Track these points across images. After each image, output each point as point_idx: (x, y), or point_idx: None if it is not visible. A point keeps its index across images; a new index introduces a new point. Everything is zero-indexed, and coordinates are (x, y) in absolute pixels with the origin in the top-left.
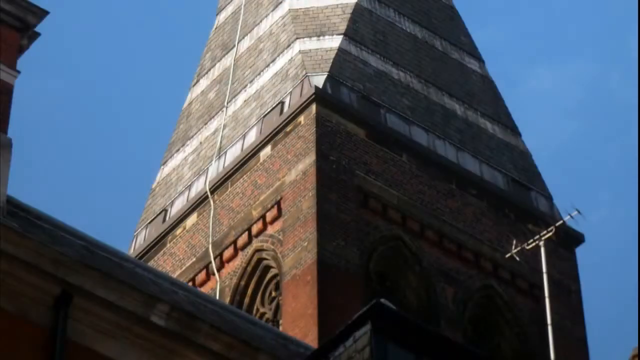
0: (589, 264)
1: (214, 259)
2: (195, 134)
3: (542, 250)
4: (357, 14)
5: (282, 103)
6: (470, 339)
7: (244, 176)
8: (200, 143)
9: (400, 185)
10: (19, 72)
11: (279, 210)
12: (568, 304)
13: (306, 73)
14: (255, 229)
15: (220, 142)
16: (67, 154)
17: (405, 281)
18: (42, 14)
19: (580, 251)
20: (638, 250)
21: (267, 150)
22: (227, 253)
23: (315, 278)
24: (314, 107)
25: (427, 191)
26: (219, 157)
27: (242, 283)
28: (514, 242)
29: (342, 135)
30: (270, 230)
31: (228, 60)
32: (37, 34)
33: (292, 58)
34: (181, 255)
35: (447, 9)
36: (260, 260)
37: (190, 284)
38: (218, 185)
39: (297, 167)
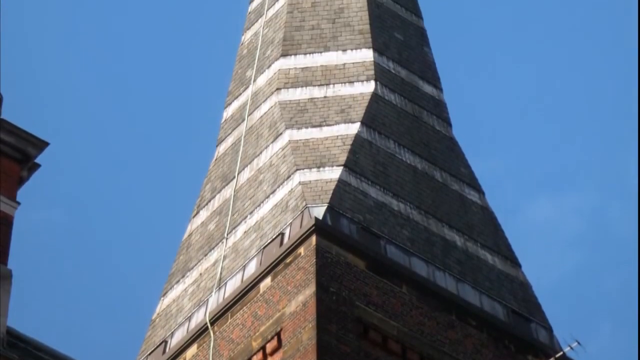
0: None
1: None
2: (195, 265)
3: None
4: (357, 145)
5: (282, 234)
6: None
7: (244, 307)
8: (200, 274)
9: (400, 317)
10: (19, 203)
11: (279, 341)
12: None
13: (306, 204)
14: None
15: (220, 273)
16: (67, 285)
17: None
18: (42, 145)
19: None
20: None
21: (267, 281)
22: None
23: None
24: (313, 238)
25: (427, 322)
26: (219, 289)
27: None
28: None
29: (342, 267)
30: None
31: (228, 192)
32: (37, 165)
33: (292, 189)
34: None
35: (446, 140)
36: None
37: None
38: (218, 317)
39: (297, 299)
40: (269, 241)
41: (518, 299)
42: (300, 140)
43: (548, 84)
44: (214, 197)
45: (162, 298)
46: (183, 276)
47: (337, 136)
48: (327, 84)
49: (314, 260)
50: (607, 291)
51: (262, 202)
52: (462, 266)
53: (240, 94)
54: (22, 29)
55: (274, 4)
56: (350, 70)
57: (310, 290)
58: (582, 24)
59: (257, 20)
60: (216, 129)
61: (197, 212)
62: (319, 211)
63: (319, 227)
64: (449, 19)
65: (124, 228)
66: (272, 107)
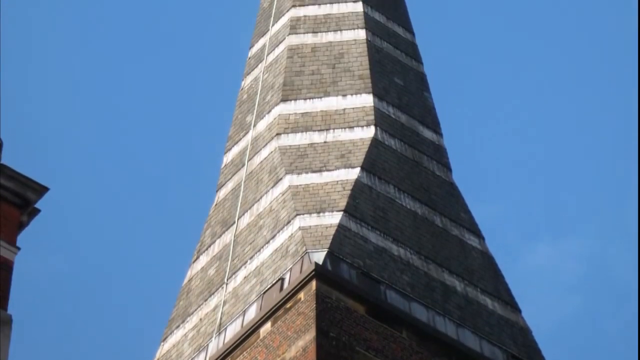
0: None
1: None
2: (195, 310)
3: None
4: (357, 190)
5: (282, 279)
6: None
7: (244, 352)
8: (200, 319)
9: None
10: (19, 248)
11: None
12: None
13: (306, 250)
14: None
15: (220, 318)
16: (67, 331)
17: None
18: (42, 190)
19: None
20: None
21: (267, 326)
22: None
23: None
24: (313, 283)
25: None
26: (219, 334)
27: None
28: None
29: (342, 312)
30: None
31: (228, 237)
32: (37, 210)
33: (292, 234)
34: None
35: (446, 185)
36: None
37: None
38: None
39: (297, 344)
40: (269, 286)
41: (518, 344)
42: (300, 185)
43: (547, 130)
44: (214, 242)
45: (162, 343)
46: (183, 321)
47: (337, 181)
48: (327, 129)
49: (314, 305)
50: (607, 335)
51: (262, 247)
52: (462, 311)
53: (241, 139)
54: (23, 75)
55: (274, 49)
56: (350, 116)
57: (310, 335)
58: (582, 69)
59: (257, 66)
60: (216, 174)
61: (197, 257)
62: (319, 256)
63: (319, 272)
64: (449, 64)
65: (124, 273)
66: (272, 152)
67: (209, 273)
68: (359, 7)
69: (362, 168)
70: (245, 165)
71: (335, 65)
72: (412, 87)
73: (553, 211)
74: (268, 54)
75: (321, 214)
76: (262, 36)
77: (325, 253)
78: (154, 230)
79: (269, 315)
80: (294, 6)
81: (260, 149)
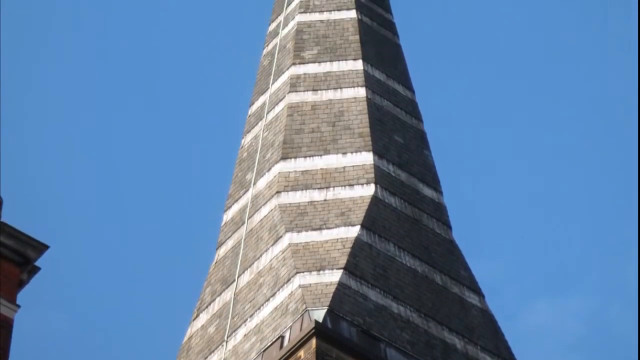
0: None
1: None
2: None
3: None
4: (357, 248)
5: (282, 337)
6: None
7: None
8: None
9: None
10: (19, 306)
11: None
12: None
13: (306, 307)
14: None
15: None
16: None
17: None
18: (42, 248)
19: None
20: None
21: None
22: None
23: None
24: (313, 341)
25: None
26: None
27: None
28: None
29: None
30: None
31: (228, 295)
32: (37, 268)
33: (292, 292)
34: None
35: (446, 242)
36: None
37: None
38: None
39: None
40: (269, 344)
41: None
42: (300, 243)
43: (547, 187)
44: (214, 300)
45: None
46: None
47: (337, 239)
48: (327, 187)
49: None
50: None
51: (262, 305)
52: None
53: (240, 197)
54: (23, 133)
55: (274, 107)
56: (350, 173)
57: None
58: (585, 131)
59: (257, 124)
60: (216, 232)
61: (197, 315)
62: (319, 314)
63: (319, 330)
64: (449, 122)
65: (124, 331)
66: (272, 210)
67: (209, 331)
68: (359, 65)
69: (362, 226)
70: (245, 223)
71: (335, 123)
72: (412, 144)
73: (553, 269)
74: (268, 112)
75: (321, 272)
76: (262, 94)
77: (325, 311)
78: (153, 289)
79: None
80: (294, 64)
81: (260, 207)
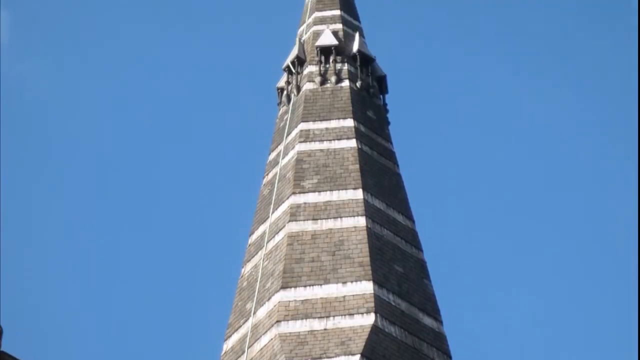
0: None
1: None
2: None
3: None
4: None
5: None
6: None
7: None
8: None
9: None
10: None
11: None
12: None
13: None
14: None
15: None
16: None
17: None
18: None
19: None
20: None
21: None
22: None
23: None
24: None
25: None
26: None
27: None
28: None
29: None
30: None
31: None
32: None
33: None
34: None
35: None
36: None
37: None
38: None
39: None
40: None
41: None
42: None
43: (548, 315)
44: None
45: None
46: None
47: None
48: (327, 317)
49: None
50: None
51: None
52: None
53: (240, 326)
54: (22, 261)
55: (274, 236)
56: (350, 303)
57: None
58: (581, 253)
59: (257, 253)
60: None
61: None
62: None
63: None
64: (449, 252)
65: None
66: (272, 339)
67: None
68: (359, 194)
69: (362, 355)
70: (245, 353)
71: (335, 253)
72: (412, 274)
73: None
74: (268, 241)
75: None
76: (263, 223)
77: None
78: None
79: None
80: (294, 193)
81: (260, 336)
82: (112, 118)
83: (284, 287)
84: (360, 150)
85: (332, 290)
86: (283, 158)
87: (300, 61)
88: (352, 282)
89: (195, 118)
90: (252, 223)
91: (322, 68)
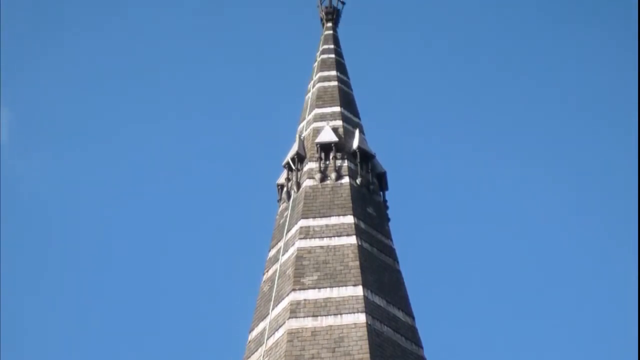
0: None
1: None
2: None
3: None
4: None
5: None
6: None
7: None
8: None
9: None
10: None
11: None
12: None
13: None
14: None
15: None
16: None
17: None
18: None
19: None
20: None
21: None
22: None
23: None
24: None
25: None
26: None
27: None
28: None
29: None
30: None
31: None
32: None
33: None
34: None
35: None
36: None
37: None
38: None
39: None
40: None
41: None
42: None
43: None
44: None
45: None
46: None
47: None
48: None
49: None
50: None
51: None
52: None
53: None
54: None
55: (274, 333)
56: None
57: None
58: (581, 349)
59: (257, 350)
60: None
61: None
62: None
63: None
64: (449, 349)
65: None
66: None
67: None
68: (359, 291)
69: None
70: None
71: (335, 350)
72: None
73: None
74: (268, 338)
75: None
76: (263, 320)
77: None
78: None
79: None
80: (293, 290)
81: None
82: (112, 216)
83: None
84: (360, 247)
85: None
86: (283, 255)
87: (300, 158)
88: None
89: (195, 215)
90: (252, 320)
91: (322, 165)
